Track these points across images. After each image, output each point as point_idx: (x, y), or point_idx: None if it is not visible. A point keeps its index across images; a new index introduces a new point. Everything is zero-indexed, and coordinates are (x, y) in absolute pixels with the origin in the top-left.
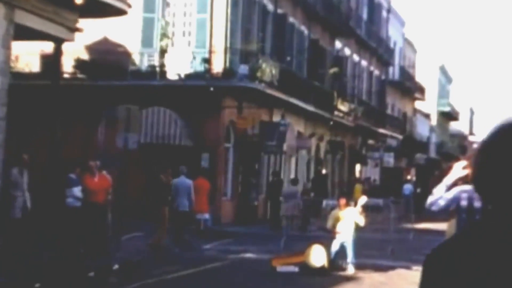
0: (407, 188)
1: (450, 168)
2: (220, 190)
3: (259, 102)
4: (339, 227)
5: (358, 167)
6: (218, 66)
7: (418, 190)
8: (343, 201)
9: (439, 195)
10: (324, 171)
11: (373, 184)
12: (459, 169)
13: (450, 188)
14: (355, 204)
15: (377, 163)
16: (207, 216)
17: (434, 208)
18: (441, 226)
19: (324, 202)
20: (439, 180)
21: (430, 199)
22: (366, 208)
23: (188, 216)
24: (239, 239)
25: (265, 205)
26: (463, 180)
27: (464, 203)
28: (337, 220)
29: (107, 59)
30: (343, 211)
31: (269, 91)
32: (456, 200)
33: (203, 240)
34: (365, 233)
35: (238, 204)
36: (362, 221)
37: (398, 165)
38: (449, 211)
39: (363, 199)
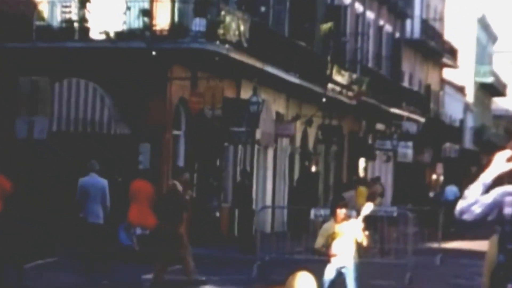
0: (451, 191)
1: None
2: None
3: (222, 71)
4: (335, 247)
5: (362, 162)
6: (162, 21)
7: (432, 194)
8: (341, 210)
9: (474, 199)
10: (314, 169)
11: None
12: (502, 161)
13: (490, 189)
14: (358, 215)
15: (389, 156)
16: (147, 231)
17: (466, 216)
18: (479, 245)
19: (313, 212)
20: (477, 179)
21: (461, 205)
22: (368, 221)
23: (101, 231)
24: (197, 264)
25: (231, 216)
26: (508, 177)
27: (509, 210)
28: (332, 237)
29: (1, 11)
30: (341, 224)
31: (236, 55)
32: (497, 206)
33: (141, 267)
34: (373, 256)
35: (192, 216)
36: (364, 239)
37: (419, 160)
38: (488, 221)
39: (367, 207)
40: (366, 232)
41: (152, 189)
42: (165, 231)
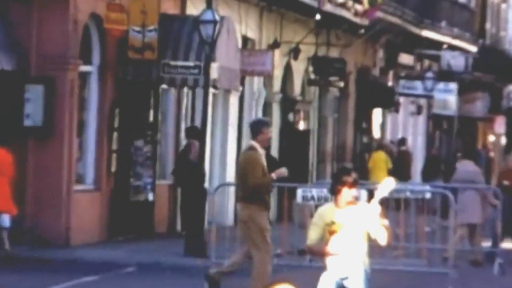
0: None
1: None
2: (70, 169)
3: None
4: (334, 246)
5: (377, 115)
6: None
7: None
8: (345, 188)
9: None
10: (301, 125)
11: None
12: None
13: None
14: (371, 197)
15: (420, 106)
16: (6, 221)
17: None
18: None
19: (300, 193)
20: None
21: None
22: (386, 206)
23: None
24: (115, 275)
25: (171, 200)
26: None
27: None
28: (330, 229)
29: None
30: (345, 209)
31: None
32: None
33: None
34: (392, 260)
35: (111, 201)
36: (383, 235)
37: (468, 111)
38: None
39: (387, 185)
40: (386, 222)
41: (11, 161)
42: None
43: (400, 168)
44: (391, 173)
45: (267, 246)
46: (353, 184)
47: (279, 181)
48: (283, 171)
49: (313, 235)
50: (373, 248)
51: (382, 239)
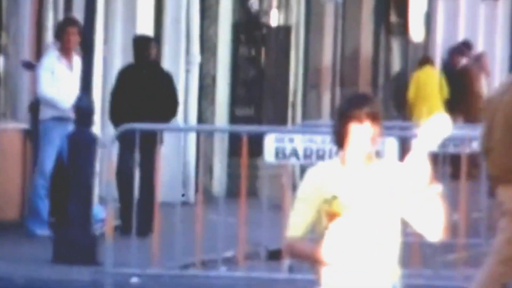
0: None
1: None
2: None
3: None
4: (333, 242)
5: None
6: None
7: None
8: (356, 129)
9: None
10: (275, 17)
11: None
12: None
13: None
14: (406, 150)
15: None
16: None
17: None
18: None
19: (273, 142)
20: None
21: None
22: (435, 170)
23: None
24: None
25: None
26: None
27: None
28: (331, 210)
29: None
30: (356, 170)
31: None
32: None
33: None
34: (445, 270)
35: None
36: (435, 223)
37: None
38: None
39: (436, 128)
40: (438, 189)
41: None
42: None
43: (460, 97)
44: (449, 106)
45: None
46: (373, 121)
47: (236, 122)
48: None
49: (298, 221)
50: (411, 248)
51: (434, 231)
